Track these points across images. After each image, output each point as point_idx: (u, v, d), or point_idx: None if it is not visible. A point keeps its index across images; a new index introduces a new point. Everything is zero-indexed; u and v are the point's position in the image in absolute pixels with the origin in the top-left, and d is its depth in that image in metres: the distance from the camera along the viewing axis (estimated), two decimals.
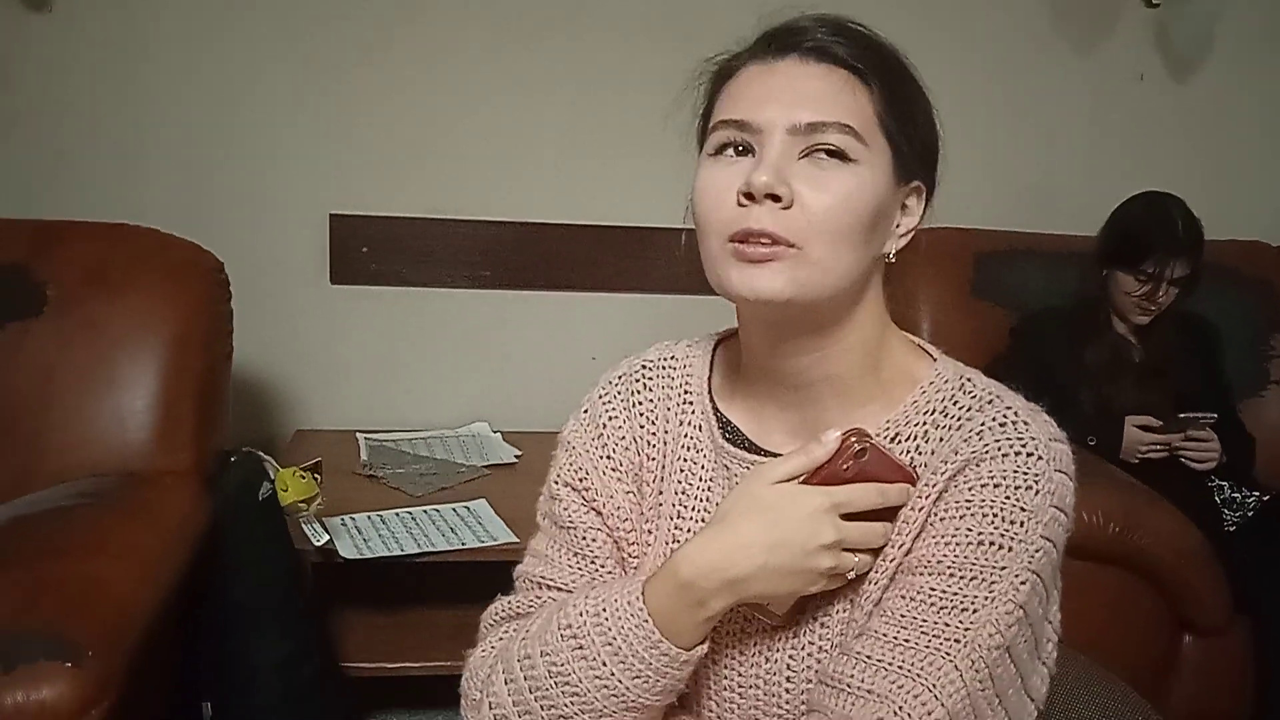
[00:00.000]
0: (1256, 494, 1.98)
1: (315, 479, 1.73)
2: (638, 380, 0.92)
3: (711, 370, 0.91)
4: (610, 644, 0.76)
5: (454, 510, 1.93)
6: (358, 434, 2.27)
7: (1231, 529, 1.89)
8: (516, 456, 2.19)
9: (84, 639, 1.04)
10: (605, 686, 0.76)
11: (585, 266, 2.38)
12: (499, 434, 2.32)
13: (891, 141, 0.78)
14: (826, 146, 0.76)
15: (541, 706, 0.78)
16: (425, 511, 1.91)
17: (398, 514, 1.89)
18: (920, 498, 0.76)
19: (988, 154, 2.45)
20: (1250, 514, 1.91)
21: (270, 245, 2.25)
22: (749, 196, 0.75)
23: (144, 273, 1.61)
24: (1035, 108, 2.48)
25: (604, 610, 0.77)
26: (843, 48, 0.78)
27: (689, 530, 0.85)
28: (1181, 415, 1.95)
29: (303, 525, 1.70)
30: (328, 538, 1.71)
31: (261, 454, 1.63)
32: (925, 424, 0.80)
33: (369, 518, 1.86)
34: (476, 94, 2.28)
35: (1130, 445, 1.96)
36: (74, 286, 1.57)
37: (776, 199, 0.74)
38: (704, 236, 0.79)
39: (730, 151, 0.78)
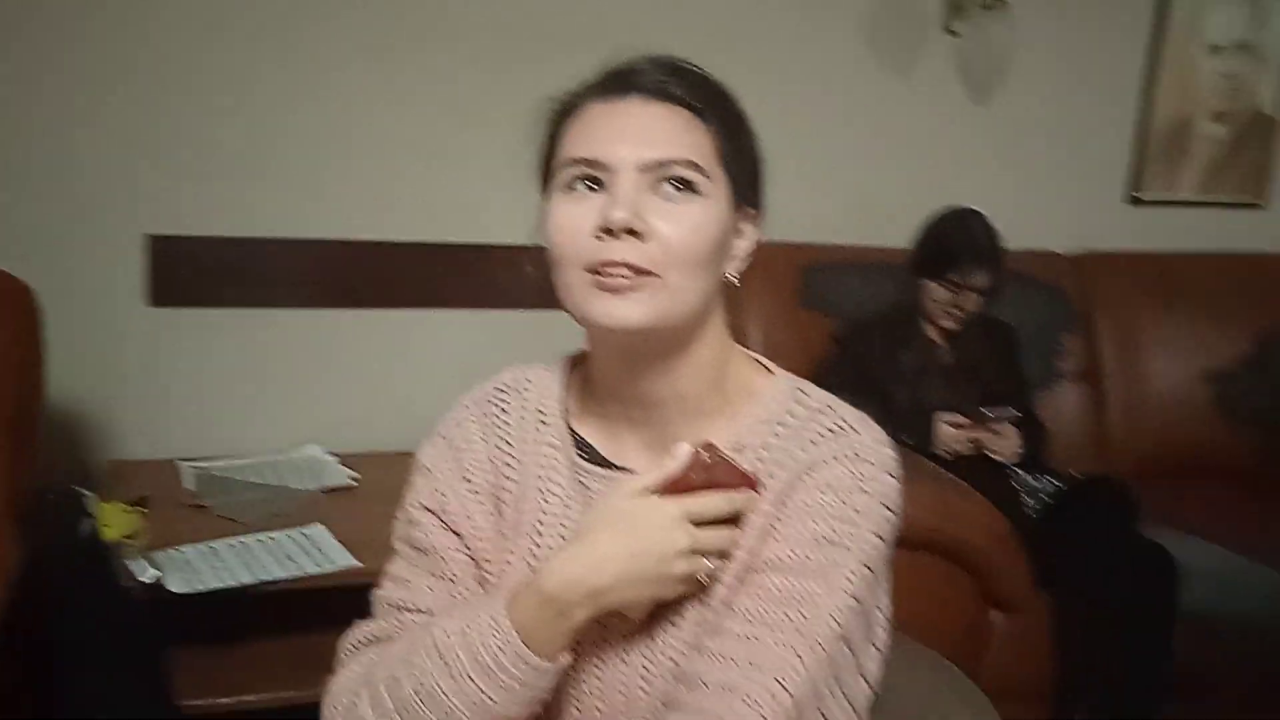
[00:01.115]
0: (1049, 479, 2.14)
1: (141, 512, 1.65)
2: (492, 404, 0.94)
3: (565, 391, 0.94)
4: (477, 660, 0.78)
5: (289, 537, 1.87)
6: (180, 462, 2.16)
7: (1031, 514, 2.05)
8: (353, 479, 2.14)
9: None
10: (474, 703, 0.78)
11: (418, 283, 2.35)
12: (333, 456, 2.26)
13: (729, 173, 0.83)
14: (675, 182, 0.80)
15: None
16: (260, 540, 1.85)
17: (230, 544, 1.82)
18: (763, 502, 0.82)
19: (813, 171, 2.55)
20: (1047, 499, 2.07)
21: (83, 269, 2.12)
22: (607, 231, 0.78)
23: None
24: (855, 128, 2.61)
25: (469, 629, 0.79)
26: (681, 88, 0.83)
27: (548, 547, 0.88)
28: (984, 411, 2.11)
29: (127, 562, 1.63)
30: (156, 574, 1.64)
31: (80, 489, 1.55)
32: (765, 433, 0.85)
33: (198, 549, 1.79)
34: (303, 108, 2.23)
35: (941, 440, 2.11)
36: None
37: (633, 233, 0.78)
38: (562, 269, 0.82)
39: (581, 187, 0.81)
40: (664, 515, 0.79)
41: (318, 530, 1.91)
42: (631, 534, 0.78)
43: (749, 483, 0.82)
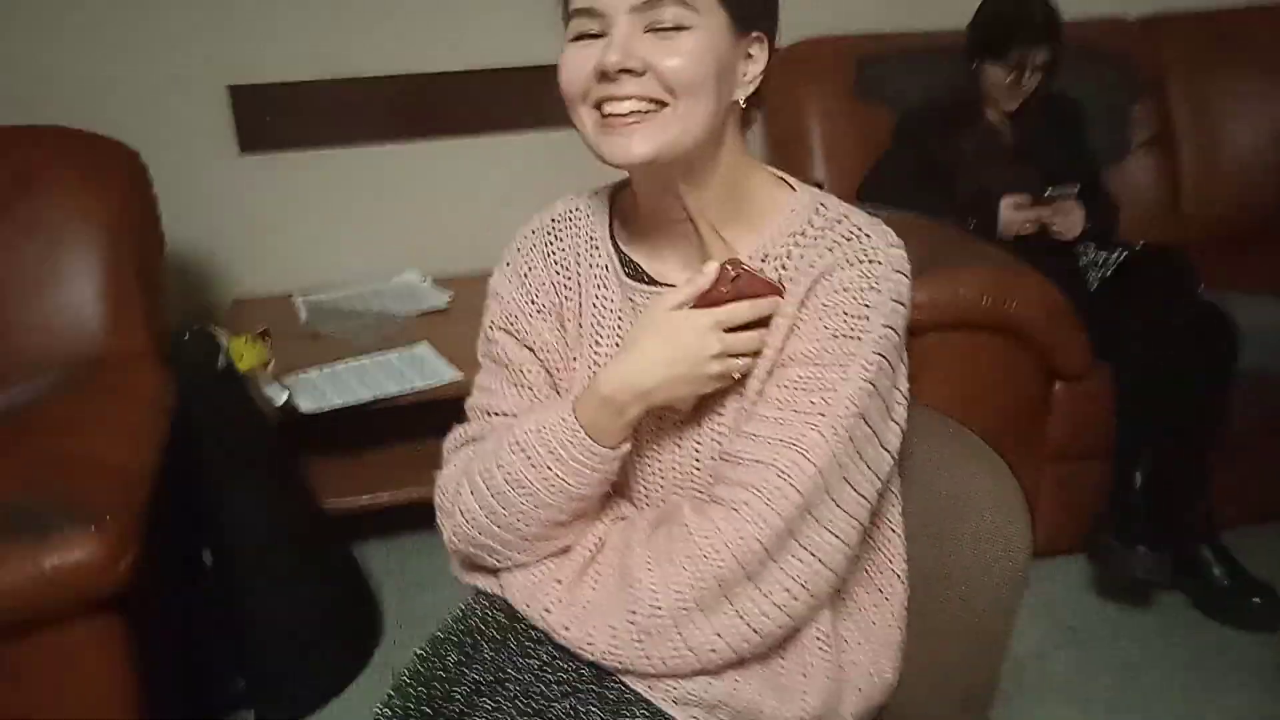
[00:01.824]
0: (1119, 252, 2.16)
1: (266, 343, 1.86)
2: (549, 233, 1.06)
3: (612, 217, 1.05)
4: (551, 451, 0.93)
5: (398, 356, 2.07)
6: (294, 296, 2.38)
7: (1094, 288, 2.11)
8: (449, 300, 2.33)
9: (99, 506, 1.20)
10: (552, 485, 0.94)
11: (486, 110, 2.44)
12: (429, 280, 2.44)
13: (724, 3, 0.90)
14: (664, 21, 0.88)
15: (502, 506, 0.95)
16: (372, 360, 2.06)
17: (347, 365, 2.03)
18: (787, 305, 0.93)
19: None
20: (1107, 271, 2.12)
21: (175, 124, 2.28)
22: (604, 75, 0.88)
23: (69, 172, 1.67)
24: None
25: (544, 427, 0.94)
26: None
27: (606, 355, 1.01)
28: (1050, 190, 2.13)
29: (263, 387, 1.84)
30: (288, 395, 1.86)
31: (212, 327, 1.74)
32: (788, 243, 0.96)
33: (321, 372, 2.01)
34: None
35: (1006, 223, 2.13)
36: (4, 193, 1.63)
37: (630, 72, 0.87)
38: (573, 110, 0.92)
39: (584, 38, 0.90)
40: (696, 325, 0.91)
41: (423, 348, 2.10)
42: (670, 342, 0.91)
43: (774, 290, 0.93)
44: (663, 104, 0.89)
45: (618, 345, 1.01)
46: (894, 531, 1.04)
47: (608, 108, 0.89)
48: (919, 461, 1.06)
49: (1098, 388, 1.98)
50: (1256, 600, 1.96)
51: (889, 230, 0.96)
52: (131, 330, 1.65)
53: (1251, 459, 2.05)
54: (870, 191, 2.27)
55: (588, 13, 0.89)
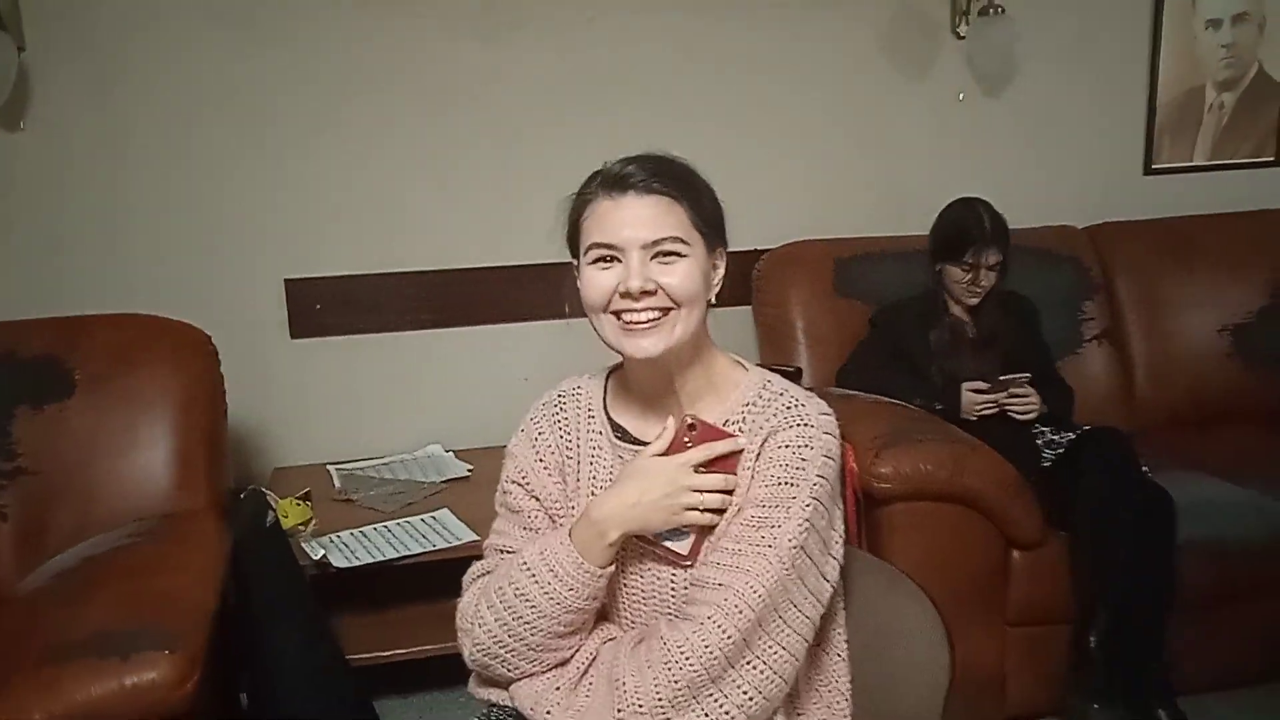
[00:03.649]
0: (1072, 435, 2.38)
1: (308, 505, 2.09)
2: (556, 406, 1.33)
3: (606, 392, 1.32)
4: (551, 569, 1.17)
5: (422, 520, 2.28)
6: (328, 466, 2.62)
7: (1047, 465, 2.33)
8: (469, 470, 2.55)
9: (175, 631, 1.41)
10: (551, 597, 1.16)
11: (508, 301, 2.74)
12: (451, 453, 2.68)
13: (701, 233, 1.21)
14: (666, 251, 1.18)
15: (512, 617, 1.18)
16: (398, 524, 2.26)
17: (375, 529, 2.24)
18: (746, 461, 1.18)
19: (841, 172, 2.90)
20: (1061, 451, 2.35)
21: (238, 311, 2.59)
22: (627, 294, 1.16)
23: (153, 352, 1.96)
24: (877, 130, 2.91)
25: (545, 550, 1.18)
26: (659, 182, 1.19)
27: None
28: (1002, 377, 2.38)
29: (302, 544, 2.06)
30: (323, 552, 2.07)
31: (264, 489, 1.99)
32: (744, 411, 1.22)
33: (352, 533, 2.22)
34: (404, 163, 2.65)
35: (966, 406, 2.37)
36: (97, 369, 1.92)
37: (646, 292, 1.16)
38: (596, 316, 1.21)
39: (602, 262, 1.20)
40: (665, 466, 1.17)
41: (444, 513, 2.31)
42: (644, 479, 1.17)
43: (725, 435, 1.18)
44: (667, 310, 1.17)
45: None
46: (840, 659, 1.25)
47: (628, 317, 1.17)
48: (859, 598, 1.28)
49: (1054, 555, 2.14)
50: None
51: (822, 401, 1.22)
52: (197, 490, 1.90)
53: (1207, 625, 2.18)
54: (847, 376, 2.52)
55: (606, 246, 1.18)
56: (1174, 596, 2.10)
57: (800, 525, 1.13)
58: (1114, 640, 2.07)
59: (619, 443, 1.27)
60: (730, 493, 1.18)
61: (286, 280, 2.63)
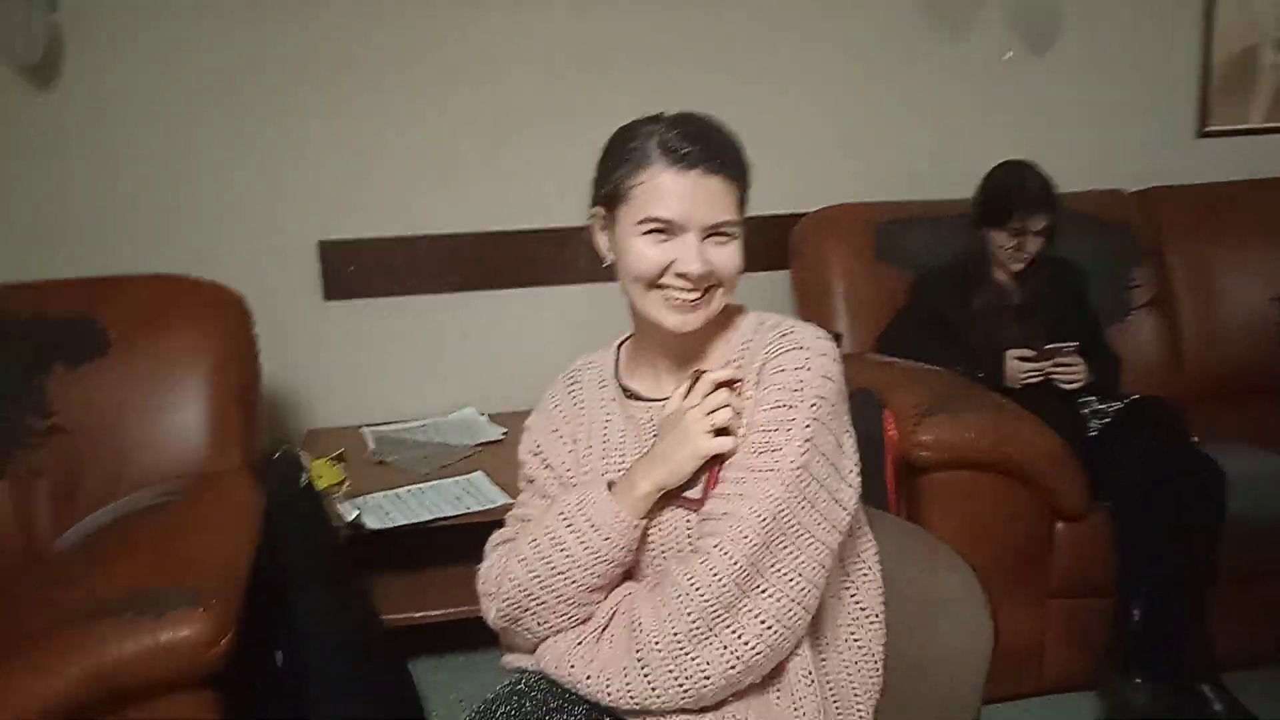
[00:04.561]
0: (1119, 404, 2.33)
1: (342, 467, 2.09)
2: (571, 380, 1.36)
3: (617, 361, 1.34)
4: (589, 519, 1.16)
5: (456, 483, 2.29)
6: (362, 428, 2.62)
7: (1093, 435, 2.28)
8: (503, 434, 2.55)
9: (206, 591, 1.41)
10: (587, 547, 1.16)
11: (543, 264, 2.72)
12: (485, 416, 2.68)
13: (742, 211, 1.20)
14: (721, 232, 1.17)
15: (545, 567, 1.17)
16: (432, 486, 2.27)
17: (410, 490, 2.25)
18: (748, 390, 1.17)
19: (882, 135, 2.83)
20: (1107, 421, 2.30)
21: (271, 273, 2.59)
22: (683, 275, 1.16)
23: (185, 312, 1.96)
24: (919, 91, 2.85)
25: (583, 500, 1.18)
26: (722, 163, 1.17)
27: (616, 458, 1.26)
28: (1048, 345, 2.33)
29: (336, 505, 2.06)
30: (357, 513, 2.07)
31: (298, 450, 1.98)
32: (744, 347, 1.23)
33: (385, 495, 2.22)
34: (439, 127, 2.63)
35: (1010, 374, 2.33)
36: (130, 329, 1.91)
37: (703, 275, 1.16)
38: (639, 287, 1.20)
39: (658, 235, 1.18)
40: (675, 412, 1.19)
41: (478, 476, 2.32)
42: (662, 431, 1.20)
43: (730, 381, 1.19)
44: (710, 288, 1.18)
45: (622, 454, 1.26)
46: (866, 578, 1.23)
47: (678, 295, 1.18)
48: (899, 566, 1.25)
49: (1098, 527, 2.11)
50: None
51: (817, 327, 1.22)
52: (230, 450, 1.90)
53: (1248, 603, 2.14)
54: (888, 344, 2.48)
55: (665, 221, 1.17)
56: (1218, 572, 2.06)
57: (800, 446, 1.11)
58: (1158, 615, 2.03)
59: (629, 401, 1.29)
60: (740, 414, 1.17)
61: (321, 243, 2.63)
